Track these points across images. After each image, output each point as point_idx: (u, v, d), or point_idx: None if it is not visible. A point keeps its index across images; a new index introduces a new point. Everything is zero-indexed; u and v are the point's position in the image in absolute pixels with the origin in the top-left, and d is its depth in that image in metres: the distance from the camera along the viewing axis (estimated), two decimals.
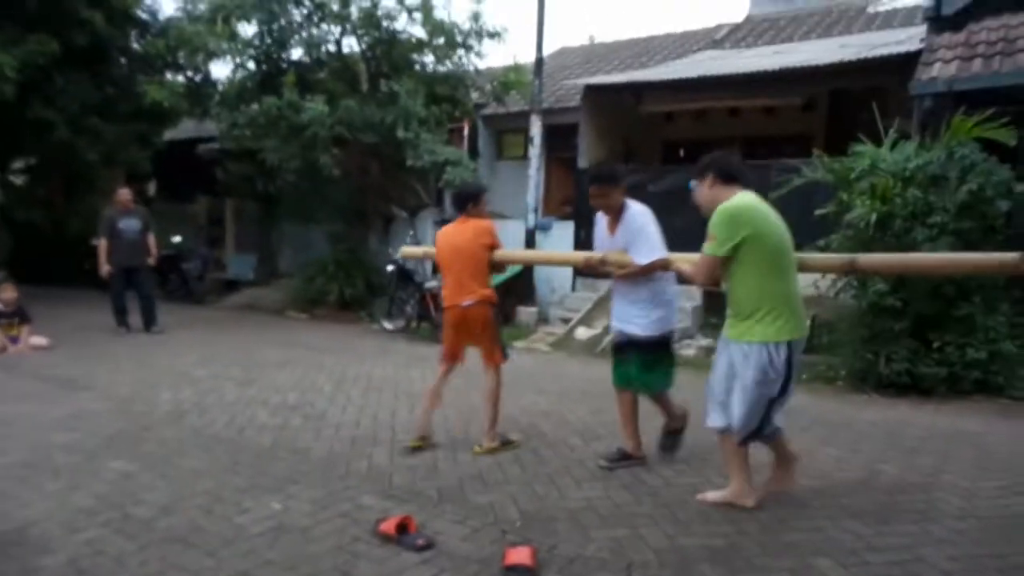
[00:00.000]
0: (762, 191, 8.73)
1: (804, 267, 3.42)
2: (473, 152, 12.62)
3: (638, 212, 3.92)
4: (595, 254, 4.00)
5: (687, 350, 8.60)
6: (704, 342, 8.78)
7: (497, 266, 4.46)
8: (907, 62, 8.44)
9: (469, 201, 4.39)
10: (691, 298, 9.48)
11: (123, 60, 13.59)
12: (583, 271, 4.04)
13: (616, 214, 3.98)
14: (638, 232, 3.86)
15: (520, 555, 2.83)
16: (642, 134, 12.65)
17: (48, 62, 10.47)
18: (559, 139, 11.95)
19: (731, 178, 3.42)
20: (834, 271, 3.07)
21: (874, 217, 6.22)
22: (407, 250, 5.48)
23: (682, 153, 12.82)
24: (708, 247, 3.30)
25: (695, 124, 12.23)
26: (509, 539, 3.07)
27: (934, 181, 6.48)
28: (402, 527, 3.07)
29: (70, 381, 6.04)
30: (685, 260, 3.78)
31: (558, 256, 4.42)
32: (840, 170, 6.89)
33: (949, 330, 6.23)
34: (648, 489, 3.76)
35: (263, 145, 10.80)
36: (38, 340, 7.50)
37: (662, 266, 3.85)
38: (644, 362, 3.99)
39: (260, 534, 3.08)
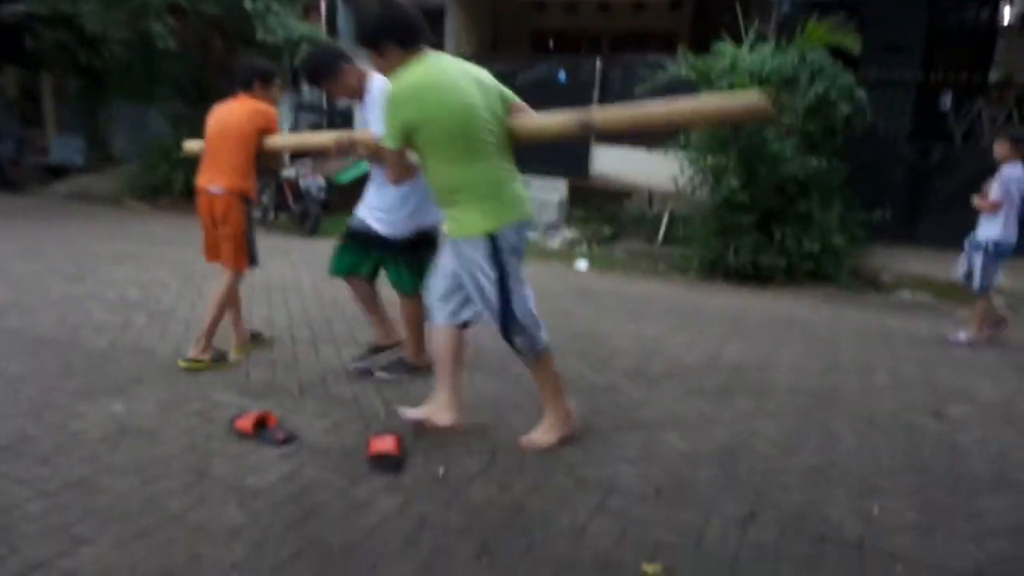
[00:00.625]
0: (628, 86, 8.89)
1: (539, 134, 2.93)
2: (332, 33, 11.71)
3: (378, 86, 3.23)
4: (344, 133, 3.33)
5: (552, 241, 8.78)
6: (569, 234, 8.98)
7: (269, 158, 3.92)
8: None
9: (257, 78, 3.78)
10: (556, 190, 9.59)
11: None
12: (337, 154, 3.40)
13: (359, 94, 3.41)
14: (375, 105, 3.21)
15: (384, 443, 2.81)
16: (511, 24, 12.25)
17: None
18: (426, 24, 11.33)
19: (410, 41, 2.69)
20: (572, 133, 2.64)
21: None
22: (188, 145, 4.19)
23: (551, 44, 12.61)
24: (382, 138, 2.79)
25: (565, 15, 12.00)
26: (375, 428, 3.04)
27: (787, 83, 6.78)
28: (260, 423, 2.95)
29: None
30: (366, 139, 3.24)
31: (313, 139, 3.87)
32: (702, 68, 7.04)
33: (789, 224, 6.72)
34: (512, 376, 3.81)
35: (79, 9, 9.39)
36: None
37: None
38: (393, 261, 3.53)
39: (100, 439, 2.84)
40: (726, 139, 6.66)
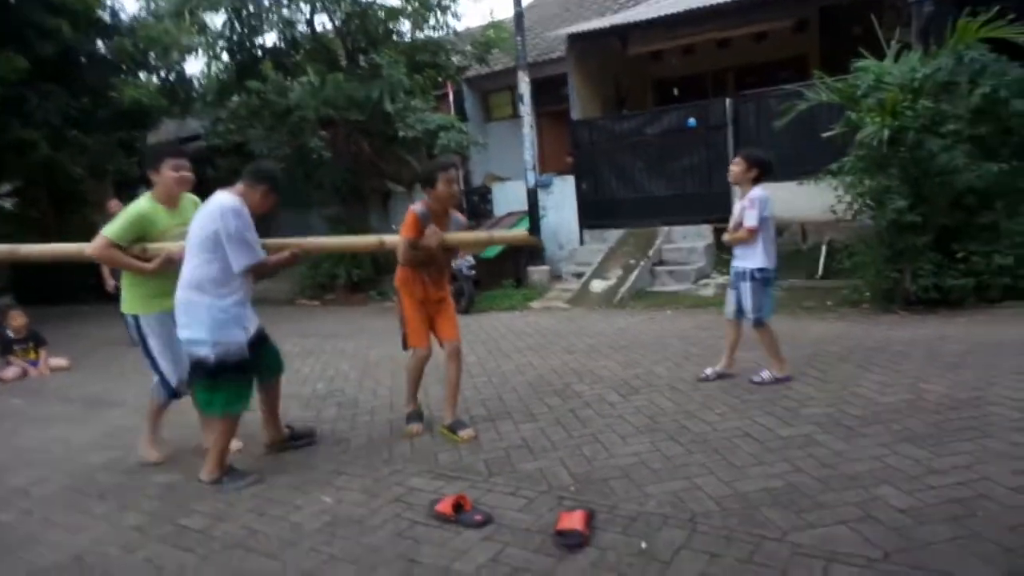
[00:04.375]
0: (764, 120, 8.63)
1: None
2: (461, 116, 12.40)
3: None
4: (389, 238, 4.23)
5: (704, 290, 8.55)
6: (721, 279, 8.70)
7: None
8: None
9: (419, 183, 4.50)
10: (701, 236, 9.39)
11: (90, 66, 13.27)
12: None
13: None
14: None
15: (572, 519, 2.79)
16: (632, 76, 12.38)
17: (20, 79, 10.20)
18: (547, 93, 11.72)
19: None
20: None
21: (886, 133, 6.06)
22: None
23: (675, 92, 12.56)
24: None
25: (685, 60, 11.95)
26: (566, 504, 3.03)
27: (944, 88, 6.32)
28: (458, 506, 3.03)
29: (96, 399, 6.00)
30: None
31: (343, 241, 4.94)
32: (844, 89, 6.72)
33: (973, 239, 6.13)
34: (694, 437, 3.72)
35: (248, 136, 10.63)
36: (57, 361, 7.45)
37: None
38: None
39: (317, 530, 3.05)
40: (885, 158, 6.25)
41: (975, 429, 3.39)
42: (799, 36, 10.88)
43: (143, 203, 3.81)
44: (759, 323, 4.58)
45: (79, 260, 4.09)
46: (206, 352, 3.49)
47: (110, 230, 3.74)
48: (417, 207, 4.01)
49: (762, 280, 4.54)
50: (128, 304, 3.92)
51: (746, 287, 4.57)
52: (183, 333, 3.55)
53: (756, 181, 4.53)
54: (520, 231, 6.24)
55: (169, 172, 3.79)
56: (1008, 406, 3.66)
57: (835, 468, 3.12)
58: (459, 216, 4.27)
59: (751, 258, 4.54)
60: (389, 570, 2.66)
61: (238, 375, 3.58)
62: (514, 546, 2.74)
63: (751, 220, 4.46)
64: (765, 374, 4.57)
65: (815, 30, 10.92)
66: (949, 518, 2.59)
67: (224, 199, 3.48)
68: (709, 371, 4.81)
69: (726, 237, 4.72)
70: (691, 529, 2.72)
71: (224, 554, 2.93)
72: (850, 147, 6.59)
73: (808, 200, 7.50)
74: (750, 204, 4.47)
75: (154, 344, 3.90)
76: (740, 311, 4.69)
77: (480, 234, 4.61)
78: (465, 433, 4.03)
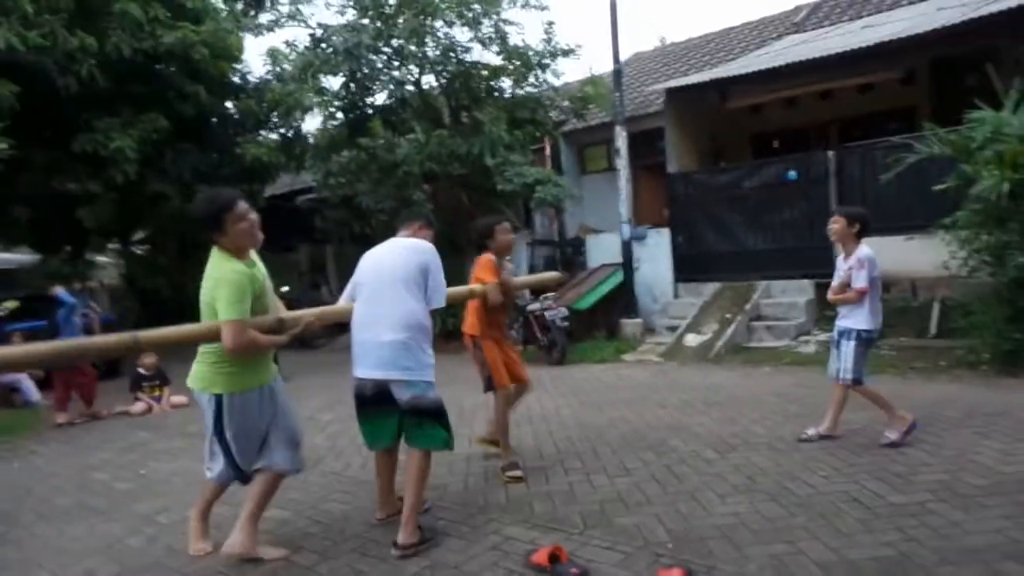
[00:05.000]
0: (869, 174, 8.40)
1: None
2: (557, 169, 12.66)
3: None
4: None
5: (805, 347, 8.26)
6: (823, 336, 8.40)
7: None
8: (1018, 16, 7.83)
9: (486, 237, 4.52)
10: (802, 291, 9.11)
11: (220, 125, 14.51)
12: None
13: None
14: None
15: None
16: (729, 130, 12.32)
17: (161, 139, 11.29)
18: (643, 146, 11.82)
19: None
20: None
21: (1006, 187, 5.79)
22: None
23: (776, 144, 12.39)
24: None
25: (785, 113, 11.80)
26: (663, 562, 3.01)
27: None
28: (554, 557, 3.06)
29: None
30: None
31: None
32: (959, 141, 6.48)
33: None
34: (797, 500, 3.60)
35: (357, 189, 11.25)
36: (178, 399, 8.02)
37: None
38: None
39: (416, 574, 3.15)
40: (1005, 212, 5.94)
41: None
42: (907, 87, 10.55)
43: (231, 264, 3.15)
44: (857, 383, 4.48)
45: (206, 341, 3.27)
46: (434, 391, 3.65)
47: (233, 310, 3.06)
48: (487, 255, 4.42)
49: (867, 340, 4.45)
50: (208, 381, 3.25)
51: (849, 347, 4.46)
52: (411, 375, 3.48)
53: (859, 236, 4.48)
54: (551, 273, 6.70)
55: (240, 223, 3.20)
56: None
57: (952, 539, 2.95)
58: (509, 266, 4.72)
59: (857, 318, 4.44)
60: None
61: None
62: None
63: (860, 282, 4.39)
64: (893, 434, 4.37)
65: (925, 81, 10.57)
66: None
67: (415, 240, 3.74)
68: (811, 431, 4.66)
69: (831, 296, 4.63)
70: None
71: None
72: (963, 201, 6.30)
73: (918, 255, 7.19)
74: (859, 265, 4.41)
75: (234, 427, 3.27)
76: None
77: (521, 279, 5.16)
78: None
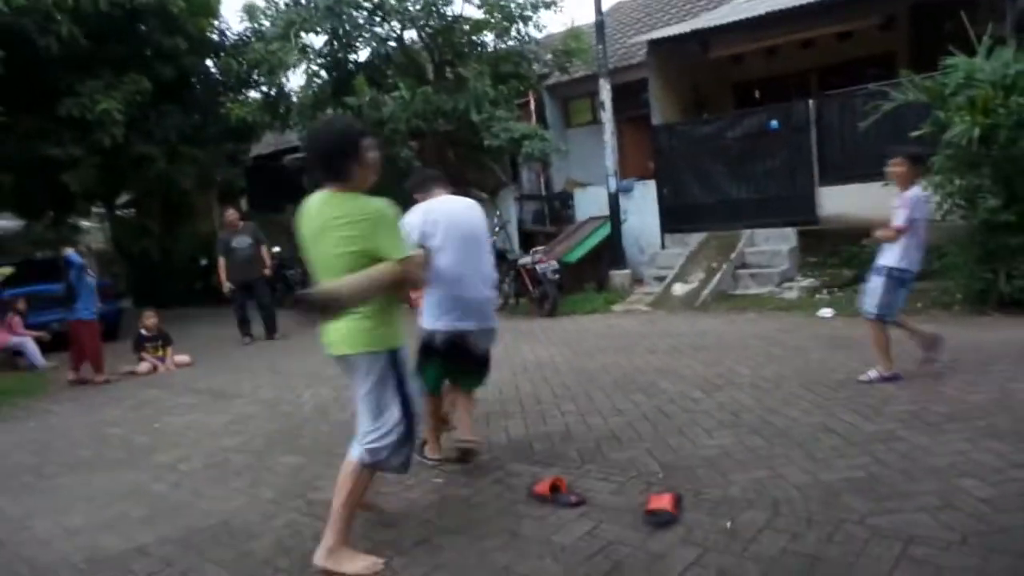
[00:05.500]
0: (849, 122, 8.57)
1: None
2: (542, 123, 12.72)
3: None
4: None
5: (788, 292, 8.55)
6: (805, 283, 8.70)
7: None
8: None
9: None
10: (784, 239, 9.36)
11: (202, 85, 14.35)
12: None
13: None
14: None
15: (661, 501, 3.04)
16: (712, 80, 12.40)
17: (144, 100, 11.22)
18: (627, 98, 11.87)
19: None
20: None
21: (977, 132, 6.01)
22: None
23: (757, 94, 12.49)
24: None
25: (766, 62, 11.88)
26: (655, 488, 3.28)
27: None
28: (555, 487, 3.33)
29: (219, 391, 6.65)
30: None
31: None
32: (933, 87, 6.66)
33: None
34: (777, 431, 3.89)
35: None
36: (181, 358, 8.22)
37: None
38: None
39: (429, 505, 3.42)
40: (976, 157, 6.17)
41: None
42: (887, 34, 10.65)
43: (373, 200, 2.73)
44: (879, 319, 4.57)
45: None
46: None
47: (405, 245, 2.83)
48: None
49: (898, 279, 4.51)
50: (390, 338, 2.85)
51: (879, 282, 4.55)
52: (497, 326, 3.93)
53: (914, 177, 4.58)
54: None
55: (372, 152, 2.83)
56: None
57: (917, 461, 3.25)
58: None
59: (889, 255, 4.53)
60: (495, 540, 2.98)
61: None
62: (608, 523, 3.02)
63: (898, 220, 4.45)
64: (872, 373, 4.60)
65: (904, 27, 10.66)
66: None
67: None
68: (873, 373, 4.63)
69: (876, 233, 4.66)
70: (773, 512, 2.93)
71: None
72: (938, 146, 6.52)
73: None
74: (901, 203, 4.48)
75: (407, 378, 2.93)
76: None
77: None
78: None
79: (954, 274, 6.70)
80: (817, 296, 8.15)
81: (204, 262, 15.95)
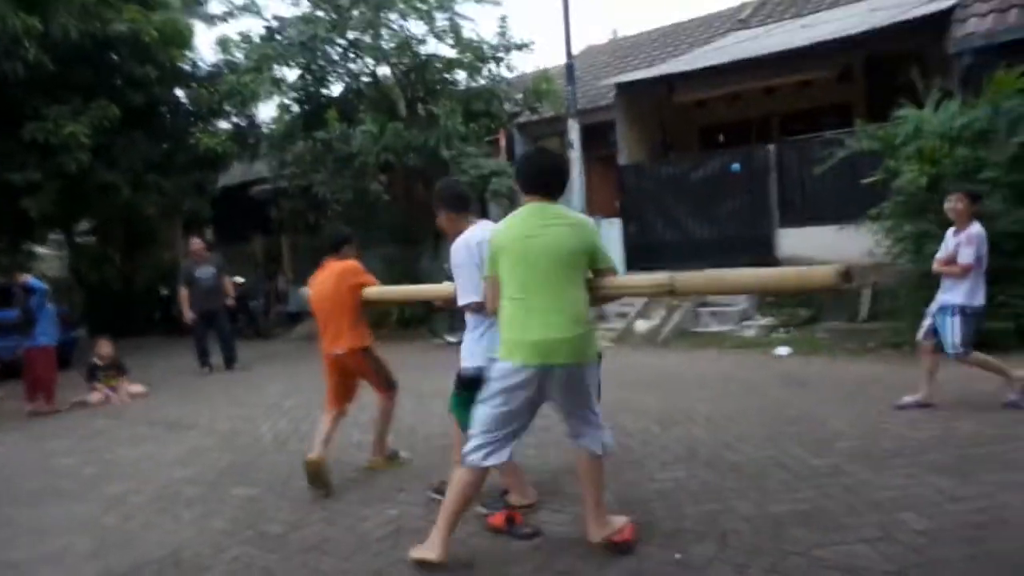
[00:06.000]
0: (807, 167, 8.87)
1: (620, 291, 3.44)
2: (512, 160, 12.92)
3: (459, 248, 3.49)
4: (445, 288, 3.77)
5: (747, 331, 8.72)
6: (763, 321, 8.88)
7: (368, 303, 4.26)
8: (942, 20, 8.39)
9: (340, 245, 4.28)
10: None
11: (172, 114, 14.29)
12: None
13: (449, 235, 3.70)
14: (455, 269, 3.48)
15: (624, 533, 3.08)
16: (678, 123, 12.75)
17: (111, 127, 11.14)
18: (595, 138, 12.16)
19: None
20: (652, 293, 2.80)
21: (924, 180, 6.28)
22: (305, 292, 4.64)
23: (721, 138, 12.87)
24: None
25: (730, 107, 12.27)
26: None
27: (982, 137, 6.52)
28: (510, 520, 3.35)
29: (175, 422, 6.52)
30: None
31: (430, 290, 4.31)
32: (884, 137, 6.97)
33: (1012, 283, 6.23)
34: (730, 466, 3.97)
35: (313, 180, 11.33)
36: (136, 388, 8.05)
37: (473, 309, 3.41)
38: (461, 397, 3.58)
39: (383, 538, 3.40)
40: (923, 204, 6.44)
41: (998, 462, 3.57)
42: (844, 84, 11.11)
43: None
44: (961, 357, 4.65)
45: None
46: None
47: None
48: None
49: (971, 316, 4.61)
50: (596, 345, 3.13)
51: (953, 321, 4.61)
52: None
53: (973, 215, 4.69)
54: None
55: None
56: None
57: (860, 494, 3.34)
58: None
59: (958, 293, 4.61)
60: (450, 573, 2.98)
61: None
62: (561, 554, 3.05)
63: (966, 258, 4.54)
64: (1013, 395, 4.60)
65: (860, 79, 11.14)
66: (965, 539, 2.80)
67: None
68: (908, 399, 4.78)
69: (936, 267, 4.78)
70: (722, 544, 2.98)
71: (302, 556, 3.31)
72: (889, 193, 6.80)
73: (849, 244, 7.69)
74: (967, 241, 4.56)
75: None
76: (939, 343, 4.72)
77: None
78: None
79: (904, 316, 6.92)
80: (774, 334, 8.34)
81: (165, 292, 15.71)
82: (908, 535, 2.88)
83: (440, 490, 3.61)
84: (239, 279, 14.10)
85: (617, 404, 5.66)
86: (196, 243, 9.55)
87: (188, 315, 9.11)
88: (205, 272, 9.21)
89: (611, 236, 11.13)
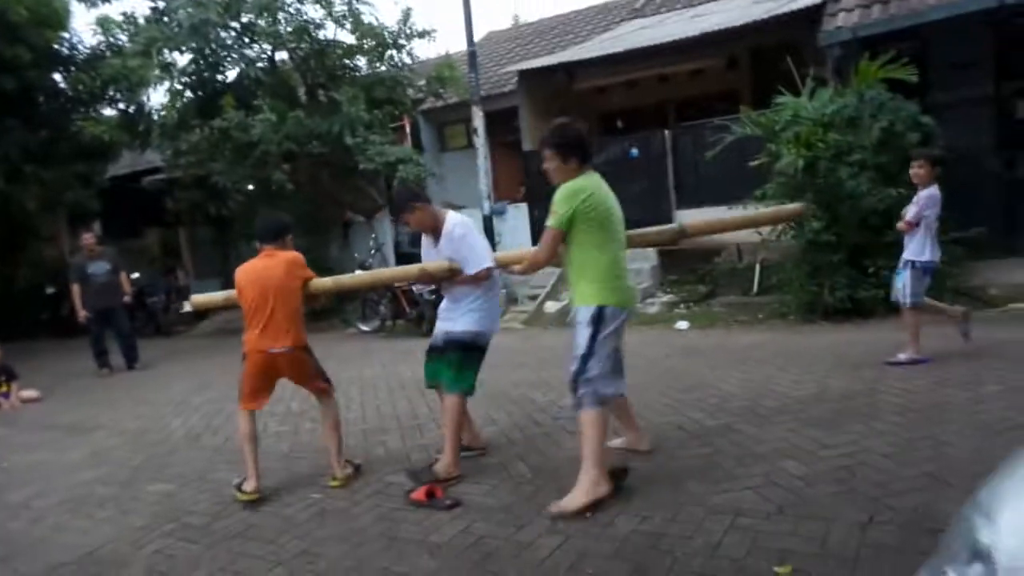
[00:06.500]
0: (699, 151, 9.36)
1: (639, 243, 3.87)
2: (417, 147, 12.92)
3: (457, 224, 3.86)
4: (430, 264, 3.87)
5: (650, 308, 9.18)
6: (665, 298, 9.37)
7: (311, 298, 4.11)
8: (816, 13, 9.05)
9: (283, 233, 4.04)
10: (648, 259, 10.04)
11: (49, 100, 13.38)
12: (419, 281, 4.60)
13: (435, 229, 3.89)
14: (460, 243, 3.80)
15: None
16: (579, 109, 13.10)
17: None
18: (500, 124, 12.35)
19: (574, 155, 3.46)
20: (667, 242, 3.44)
21: (801, 163, 6.83)
22: (198, 299, 4.41)
23: (619, 124, 13.34)
24: (550, 220, 3.37)
25: (628, 94, 12.74)
26: (523, 490, 3.54)
27: (851, 123, 7.12)
28: (431, 493, 3.51)
29: (75, 425, 6.27)
30: (512, 258, 3.96)
31: (390, 273, 4.55)
32: (766, 123, 7.49)
33: (880, 255, 6.88)
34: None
35: (211, 169, 10.96)
36: (28, 393, 7.64)
37: (487, 275, 3.83)
38: (457, 360, 3.86)
39: (308, 520, 3.49)
40: (801, 185, 7.01)
41: (865, 414, 4.03)
42: (732, 73, 11.77)
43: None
44: (913, 307, 5.06)
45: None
46: None
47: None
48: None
49: (921, 270, 5.03)
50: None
51: (905, 275, 5.07)
52: None
53: (935, 177, 5.05)
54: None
55: None
56: (894, 395, 4.33)
57: (747, 448, 3.71)
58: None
59: (911, 250, 5.06)
60: (375, 544, 3.12)
61: None
62: (480, 521, 3.24)
63: (908, 214, 5.01)
64: (902, 355, 5.07)
65: (746, 67, 11.82)
66: (834, 480, 3.19)
67: None
68: (902, 356, 5.09)
69: (897, 225, 5.20)
70: (627, 501, 3.25)
71: (226, 543, 3.35)
72: (772, 175, 7.34)
73: None
74: (916, 200, 5.01)
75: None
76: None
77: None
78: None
79: (788, 288, 7.52)
80: (675, 310, 8.83)
81: (51, 291, 14.77)
82: (787, 480, 3.25)
83: (420, 473, 3.77)
84: (135, 274, 13.48)
85: (530, 383, 5.92)
86: (88, 238, 9.09)
87: (82, 313, 8.69)
88: (98, 268, 8.80)
89: (519, 220, 11.40)
